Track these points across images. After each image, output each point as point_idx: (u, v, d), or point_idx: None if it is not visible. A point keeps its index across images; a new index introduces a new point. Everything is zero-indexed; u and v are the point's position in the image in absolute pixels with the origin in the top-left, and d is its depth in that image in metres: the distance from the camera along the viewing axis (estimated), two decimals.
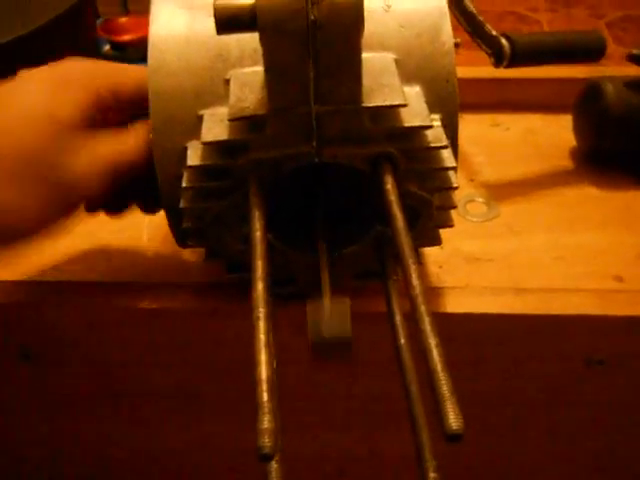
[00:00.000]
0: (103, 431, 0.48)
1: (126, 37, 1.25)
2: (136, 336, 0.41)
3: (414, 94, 0.33)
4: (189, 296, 0.40)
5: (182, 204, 0.33)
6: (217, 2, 0.28)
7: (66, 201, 0.34)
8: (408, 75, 0.33)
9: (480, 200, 0.49)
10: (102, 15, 0.91)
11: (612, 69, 0.56)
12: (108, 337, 0.41)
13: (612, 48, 1.44)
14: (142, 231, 0.47)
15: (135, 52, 1.26)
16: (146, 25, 1.05)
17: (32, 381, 0.44)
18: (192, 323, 0.40)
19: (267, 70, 0.29)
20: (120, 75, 0.36)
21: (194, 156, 0.32)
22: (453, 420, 0.21)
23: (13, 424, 0.48)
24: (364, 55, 0.29)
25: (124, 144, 0.35)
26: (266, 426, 0.21)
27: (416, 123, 0.31)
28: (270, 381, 0.23)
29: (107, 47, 1.28)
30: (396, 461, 0.47)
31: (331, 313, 0.33)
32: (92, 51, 1.17)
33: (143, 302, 0.39)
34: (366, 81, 0.30)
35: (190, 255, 0.44)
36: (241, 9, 0.27)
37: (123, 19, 1.22)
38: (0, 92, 0.34)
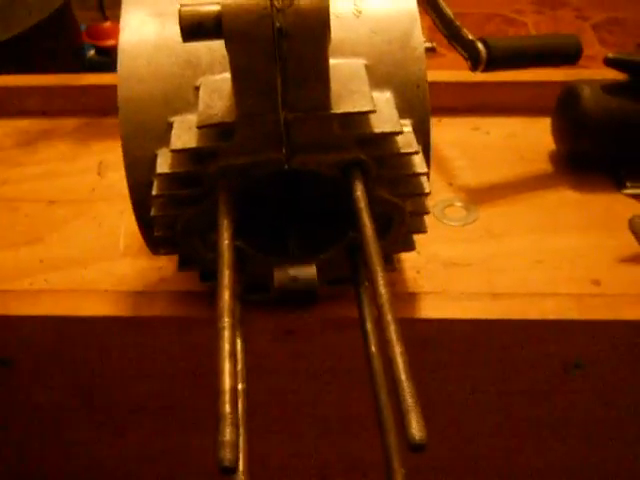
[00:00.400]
0: (82, 441, 0.47)
1: (110, 42, 1.25)
2: (112, 345, 0.41)
3: (384, 100, 0.32)
4: (165, 304, 0.39)
5: (153, 212, 0.33)
6: (182, 9, 0.27)
7: None
8: (379, 81, 0.33)
9: (459, 204, 0.49)
10: (80, 21, 0.91)
11: (592, 72, 0.56)
12: (84, 346, 0.41)
13: (597, 50, 1.45)
14: (118, 239, 0.46)
15: None
16: None
17: (10, 390, 0.44)
18: (167, 332, 0.40)
19: (234, 77, 0.29)
20: None
21: (164, 164, 0.32)
22: (416, 430, 0.21)
23: None
24: (333, 61, 0.29)
25: None
26: (227, 438, 0.21)
27: (386, 129, 0.31)
28: (233, 392, 0.22)
29: (92, 52, 1.28)
30: (378, 467, 0.47)
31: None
32: (77, 56, 1.17)
33: (119, 311, 0.39)
34: (335, 87, 0.30)
35: (166, 263, 0.44)
36: (206, 16, 0.27)
37: (107, 24, 1.22)
38: None
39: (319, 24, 0.27)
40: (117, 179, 0.53)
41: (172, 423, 0.45)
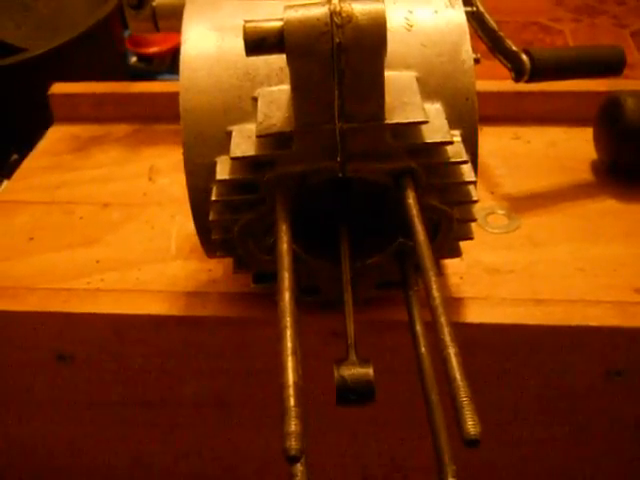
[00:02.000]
0: (129, 437, 0.49)
1: (152, 50, 1.29)
2: (165, 343, 0.42)
3: (435, 111, 0.34)
4: (217, 305, 0.41)
5: (211, 217, 0.34)
6: (247, 25, 0.29)
7: None
8: (429, 92, 0.34)
9: (501, 212, 0.50)
10: (132, 31, 0.93)
11: (635, 82, 0.57)
12: (138, 344, 0.43)
13: (636, 58, 1.44)
14: (170, 241, 0.48)
15: (161, 64, 1.30)
16: (171, 38, 1.08)
17: (67, 386, 0.46)
18: (219, 332, 0.41)
19: (294, 89, 0.30)
20: None
21: (223, 171, 0.33)
22: (471, 426, 0.22)
23: (43, 425, 0.49)
24: (387, 73, 0.30)
25: None
26: (293, 429, 0.22)
27: (437, 139, 0.32)
28: (296, 386, 0.24)
29: (134, 59, 1.32)
30: (418, 468, 0.48)
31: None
32: (120, 63, 1.20)
33: (173, 310, 0.41)
34: (388, 99, 0.31)
35: (216, 265, 0.45)
36: (269, 32, 0.29)
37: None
38: None
39: (376, 40, 0.29)
40: (167, 184, 0.55)
41: (222, 422, 0.46)
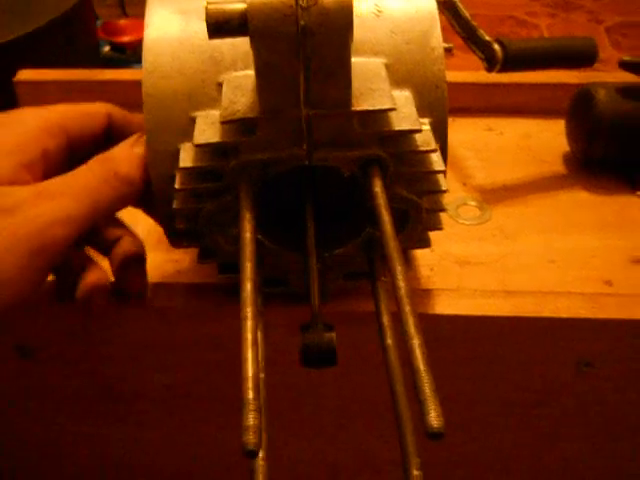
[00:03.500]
0: (97, 431, 0.48)
1: (126, 39, 1.27)
2: (129, 336, 0.41)
3: (404, 98, 0.33)
4: (182, 297, 0.40)
5: (175, 205, 0.33)
6: (209, 7, 0.28)
7: None
8: (398, 80, 0.34)
9: (472, 204, 0.50)
10: (100, 17, 0.92)
11: (607, 74, 0.56)
12: (102, 336, 0.42)
13: (610, 53, 1.45)
14: (137, 230, 0.47)
15: (134, 54, 1.28)
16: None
17: (27, 379, 0.44)
18: (185, 323, 0.40)
19: (258, 74, 0.29)
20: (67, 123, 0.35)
21: (186, 158, 0.33)
22: (434, 418, 0.22)
23: (7, 422, 0.48)
24: (355, 60, 0.30)
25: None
26: (251, 423, 0.22)
27: (405, 127, 0.31)
28: (256, 378, 0.23)
29: (107, 48, 1.30)
30: (390, 463, 0.48)
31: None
32: (92, 52, 1.18)
33: (138, 301, 0.40)
34: (356, 85, 0.30)
35: (182, 256, 0.44)
36: (232, 14, 0.28)
37: (123, 21, 1.23)
38: None
39: (343, 23, 0.28)
40: None
41: (190, 415, 0.46)
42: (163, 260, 0.44)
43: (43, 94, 0.61)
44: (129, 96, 0.60)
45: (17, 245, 0.29)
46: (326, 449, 0.47)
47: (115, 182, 0.33)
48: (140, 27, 1.22)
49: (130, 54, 1.25)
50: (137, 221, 0.48)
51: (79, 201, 0.31)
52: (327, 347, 0.32)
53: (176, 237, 0.37)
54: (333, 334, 0.32)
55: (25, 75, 0.62)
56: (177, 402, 0.45)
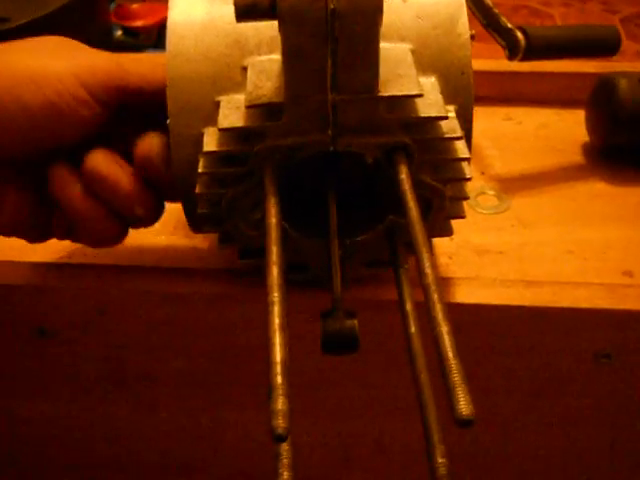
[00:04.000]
0: (111, 414, 0.48)
1: (138, 23, 1.26)
2: (148, 320, 0.42)
3: (430, 85, 0.33)
4: (202, 281, 0.40)
5: (197, 189, 0.33)
6: None
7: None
8: (424, 66, 0.33)
9: (491, 193, 0.50)
10: (116, 1, 0.91)
11: (627, 64, 0.56)
12: (120, 320, 0.42)
13: (625, 44, 1.43)
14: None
15: (147, 38, 1.27)
16: (158, 12, 1.06)
17: (44, 361, 0.45)
18: (204, 308, 0.40)
19: (285, 58, 0.29)
20: (129, 70, 0.36)
21: (210, 142, 0.32)
22: (464, 406, 0.22)
23: (22, 402, 0.48)
24: (381, 45, 0.29)
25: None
26: (280, 407, 0.22)
27: (432, 113, 0.31)
28: (284, 363, 0.23)
29: (119, 32, 1.29)
30: (401, 450, 0.48)
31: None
32: (105, 36, 1.17)
33: (156, 286, 0.40)
34: (383, 71, 0.30)
35: (201, 241, 0.44)
36: None
37: (136, 5, 1.22)
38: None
39: (372, 6, 0.28)
40: None
41: (205, 400, 0.46)
42: (181, 245, 0.44)
43: None
44: None
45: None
46: (340, 433, 0.47)
47: None
48: (153, 11, 1.21)
49: (143, 38, 1.24)
50: None
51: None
52: (348, 334, 0.32)
53: (197, 222, 0.36)
54: (355, 321, 0.32)
55: None
56: (192, 388, 0.45)
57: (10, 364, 0.45)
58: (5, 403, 0.48)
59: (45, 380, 0.46)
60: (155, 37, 1.31)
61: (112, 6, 1.23)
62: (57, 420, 0.49)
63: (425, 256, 0.26)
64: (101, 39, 1.18)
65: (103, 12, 1.17)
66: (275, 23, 0.28)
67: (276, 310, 0.25)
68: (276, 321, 0.24)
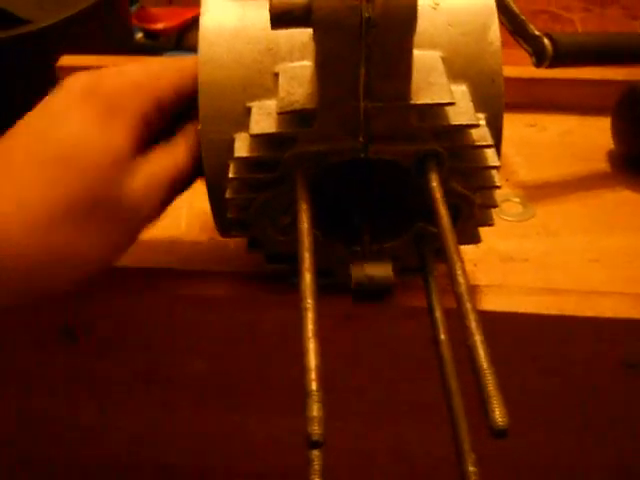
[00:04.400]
0: (138, 416, 0.48)
1: (159, 26, 1.27)
2: (176, 323, 0.42)
3: (460, 93, 0.33)
4: (230, 284, 0.40)
5: (228, 194, 0.34)
6: None
7: (130, 231, 0.35)
8: (455, 73, 0.33)
9: (516, 200, 0.49)
10: (144, 5, 0.92)
11: None
12: (147, 323, 0.42)
13: None
14: (181, 219, 0.47)
15: (167, 41, 1.28)
16: (179, 15, 1.06)
17: (72, 362, 0.45)
18: (229, 312, 0.40)
19: (318, 65, 0.29)
20: (160, 84, 0.35)
21: (242, 148, 0.33)
22: (499, 416, 0.22)
23: (49, 405, 0.49)
24: (413, 53, 0.29)
25: (177, 157, 0.35)
26: (315, 414, 0.22)
27: (463, 121, 0.31)
28: (319, 370, 0.23)
29: (140, 35, 1.30)
30: (425, 457, 0.48)
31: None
32: (125, 39, 1.18)
33: (183, 289, 0.40)
34: (414, 79, 0.30)
35: (227, 245, 0.45)
36: (296, 5, 0.28)
37: (156, 9, 1.23)
38: (40, 123, 0.33)
39: (407, 16, 0.28)
40: None
41: (227, 404, 0.46)
42: (207, 248, 0.44)
43: None
44: None
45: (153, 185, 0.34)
46: (364, 438, 0.47)
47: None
48: (174, 14, 1.22)
49: (163, 41, 1.25)
50: (181, 209, 0.49)
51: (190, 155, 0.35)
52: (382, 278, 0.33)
53: (226, 226, 0.37)
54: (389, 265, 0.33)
55: (67, 61, 0.62)
56: (215, 391, 0.46)
57: (34, 365, 0.46)
58: (26, 404, 0.49)
59: (66, 382, 0.47)
60: (175, 40, 1.31)
61: (133, 9, 1.24)
62: (77, 421, 0.49)
63: (457, 264, 0.27)
64: (122, 41, 1.18)
65: (124, 15, 1.18)
66: (307, 30, 0.28)
67: (310, 316, 0.25)
68: (310, 327, 0.25)
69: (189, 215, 0.47)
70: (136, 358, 0.44)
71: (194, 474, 0.52)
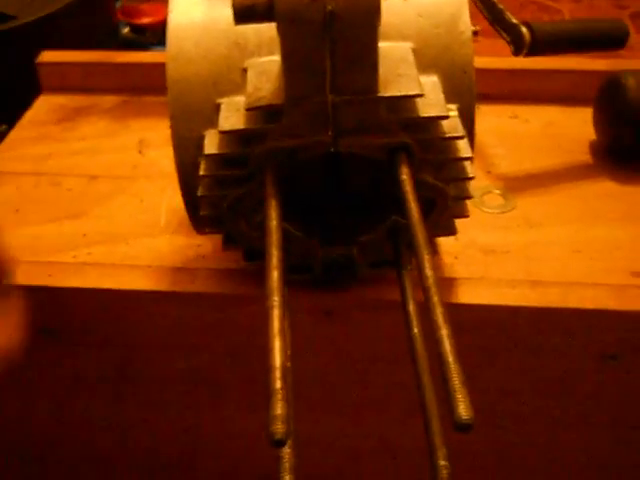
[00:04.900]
0: (117, 413, 0.48)
1: (145, 20, 1.26)
2: (152, 320, 0.42)
3: (431, 84, 0.33)
4: (205, 281, 0.40)
5: (199, 192, 0.33)
6: None
7: None
8: (425, 65, 0.33)
9: (497, 192, 0.49)
10: (122, 0, 0.91)
11: (635, 62, 0.55)
12: (124, 320, 0.42)
13: (635, 40, 1.42)
14: (159, 216, 0.47)
15: (153, 36, 1.27)
16: (165, 10, 1.05)
17: (50, 359, 0.45)
18: (208, 309, 0.40)
19: (284, 60, 0.29)
20: None
21: (211, 145, 0.32)
22: (463, 410, 0.21)
23: (29, 403, 0.48)
24: (381, 45, 0.29)
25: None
26: (279, 412, 0.22)
27: (433, 113, 0.31)
28: (283, 368, 0.23)
29: (126, 30, 1.29)
30: (409, 450, 0.48)
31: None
32: (111, 34, 1.18)
33: (161, 285, 0.40)
34: (383, 71, 0.30)
35: (205, 241, 0.44)
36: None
37: (142, 3, 1.22)
38: None
39: (370, 7, 0.27)
40: (158, 157, 0.54)
41: (209, 400, 0.46)
42: (185, 245, 0.44)
43: (65, 76, 0.61)
44: (149, 79, 0.61)
45: None
46: (347, 434, 0.47)
47: None
48: (160, 9, 1.21)
49: (149, 36, 1.24)
50: (160, 205, 0.48)
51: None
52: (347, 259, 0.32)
53: (200, 223, 0.36)
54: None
55: (48, 57, 0.62)
56: (196, 388, 0.45)
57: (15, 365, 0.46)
58: (12, 403, 0.48)
59: (50, 380, 0.47)
60: (161, 34, 1.31)
61: (119, 4, 1.24)
62: (62, 419, 0.49)
63: (425, 257, 0.26)
64: (108, 36, 1.18)
65: (109, 10, 1.17)
66: (274, 25, 0.28)
67: (275, 314, 0.25)
68: (275, 325, 0.24)
69: (168, 212, 0.47)
70: (116, 355, 0.44)
71: (179, 470, 0.52)
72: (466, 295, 0.40)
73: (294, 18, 0.27)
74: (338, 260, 0.33)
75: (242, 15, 0.28)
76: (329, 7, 0.27)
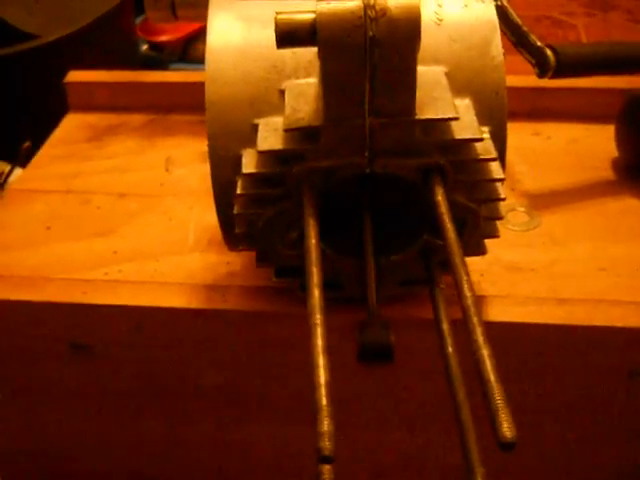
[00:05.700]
0: (145, 428, 0.49)
1: (164, 38, 1.28)
2: (183, 337, 0.42)
3: (464, 107, 0.33)
4: (236, 298, 0.41)
5: (236, 210, 0.34)
6: (278, 17, 0.29)
7: None
8: (458, 87, 0.34)
9: (521, 209, 0.50)
10: (148, 19, 0.92)
11: None
12: (156, 337, 0.42)
13: None
14: (188, 233, 0.48)
15: (172, 53, 1.29)
16: (184, 27, 1.08)
17: (80, 374, 0.45)
18: (238, 326, 0.41)
19: (324, 83, 0.30)
20: None
21: (249, 164, 0.33)
22: (507, 429, 0.22)
23: (57, 416, 0.49)
24: (417, 68, 0.30)
25: None
26: (326, 429, 0.22)
27: (467, 136, 0.32)
28: (329, 385, 0.23)
29: (145, 47, 1.31)
30: (433, 466, 0.48)
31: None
32: (131, 51, 1.19)
33: (192, 303, 0.40)
34: (419, 94, 0.31)
35: (234, 258, 0.45)
36: (301, 24, 0.28)
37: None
38: None
39: (410, 34, 0.28)
40: (184, 175, 0.54)
41: (237, 416, 0.46)
42: (215, 262, 0.45)
43: (92, 95, 0.63)
44: (175, 98, 0.62)
45: None
46: (372, 448, 0.47)
47: None
48: (178, 27, 1.23)
49: (168, 53, 1.26)
50: (189, 223, 0.49)
51: None
52: (385, 344, 0.33)
53: (234, 241, 0.37)
54: (390, 332, 0.33)
55: (75, 77, 0.63)
56: (225, 404, 0.46)
57: (46, 379, 0.46)
58: (40, 419, 0.49)
59: (79, 395, 0.47)
60: (180, 51, 1.33)
61: (138, 21, 1.26)
62: (89, 434, 0.50)
63: (464, 277, 0.27)
64: (128, 54, 1.20)
65: (129, 27, 1.19)
66: (312, 48, 0.29)
67: (319, 332, 0.25)
68: (319, 343, 0.25)
69: (197, 229, 0.48)
70: (147, 371, 0.45)
71: None
72: (492, 313, 0.40)
73: (336, 43, 0.28)
74: (374, 346, 0.33)
75: (285, 39, 0.28)
76: (370, 33, 0.28)
